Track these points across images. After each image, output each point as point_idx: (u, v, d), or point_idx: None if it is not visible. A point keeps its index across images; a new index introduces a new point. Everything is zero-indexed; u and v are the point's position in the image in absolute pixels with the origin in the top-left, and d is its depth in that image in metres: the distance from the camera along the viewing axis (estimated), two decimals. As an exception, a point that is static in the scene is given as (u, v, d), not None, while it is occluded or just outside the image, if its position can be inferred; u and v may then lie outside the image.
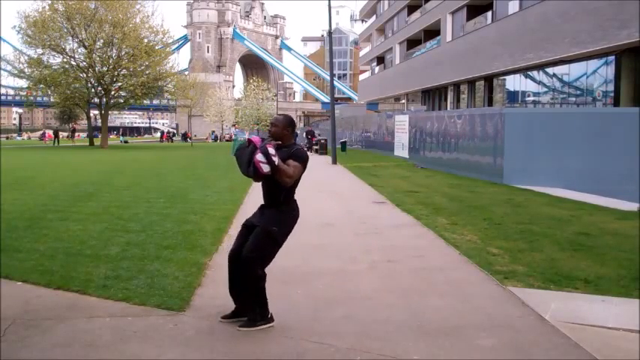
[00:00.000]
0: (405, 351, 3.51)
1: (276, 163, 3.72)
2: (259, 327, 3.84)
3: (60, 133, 57.71)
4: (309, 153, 24.15)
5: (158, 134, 69.16)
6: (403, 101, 43.47)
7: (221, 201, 10.24)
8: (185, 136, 67.81)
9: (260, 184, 4.02)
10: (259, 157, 3.71)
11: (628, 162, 12.49)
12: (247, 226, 4.07)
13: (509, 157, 13.61)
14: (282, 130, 3.95)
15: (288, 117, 4.09)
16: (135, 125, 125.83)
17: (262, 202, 4.05)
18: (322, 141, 29.97)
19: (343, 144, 29.63)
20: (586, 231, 7.33)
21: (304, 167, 3.91)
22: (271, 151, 3.72)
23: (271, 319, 3.91)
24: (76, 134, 51.85)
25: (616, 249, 6.29)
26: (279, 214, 3.92)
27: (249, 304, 3.91)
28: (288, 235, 4.01)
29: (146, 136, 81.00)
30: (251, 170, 3.77)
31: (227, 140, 62.51)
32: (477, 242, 6.66)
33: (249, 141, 3.85)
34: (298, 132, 38.70)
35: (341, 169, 18.74)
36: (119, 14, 37.95)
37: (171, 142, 63.53)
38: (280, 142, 3.90)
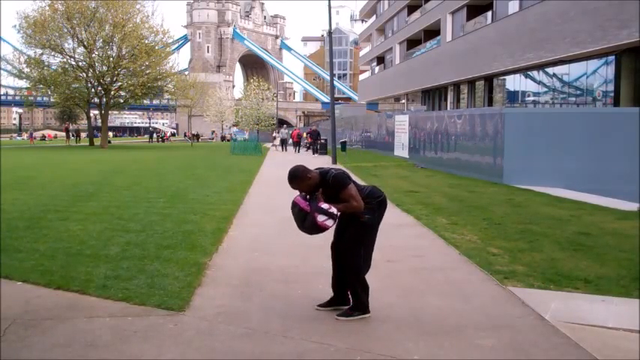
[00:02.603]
0: (405, 351, 3.51)
1: (337, 212, 3.86)
2: (357, 317, 4.01)
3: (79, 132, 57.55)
4: (311, 155, 24.07)
5: (157, 134, 67.89)
6: (403, 101, 43.48)
7: (221, 201, 10.24)
8: (196, 137, 68.01)
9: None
10: (321, 218, 3.83)
11: (628, 162, 12.48)
12: (340, 223, 4.14)
13: (509, 157, 13.61)
14: (307, 182, 3.94)
15: (296, 171, 3.96)
16: (135, 125, 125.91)
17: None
18: (322, 141, 29.95)
19: (343, 144, 29.62)
20: (586, 231, 7.33)
21: (351, 182, 3.96)
22: (324, 206, 3.83)
23: (368, 310, 4.07)
24: (71, 134, 51.59)
25: (616, 249, 6.28)
26: (366, 205, 4.02)
27: (349, 293, 4.12)
28: (381, 219, 4.15)
29: (145, 136, 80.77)
30: (319, 231, 3.92)
31: (227, 140, 62.53)
32: (477, 242, 6.66)
33: (296, 204, 3.93)
34: (302, 132, 38.69)
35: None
36: (119, 14, 37.94)
37: (163, 141, 62.35)
38: (320, 190, 3.95)
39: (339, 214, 3.88)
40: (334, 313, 4.13)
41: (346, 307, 4.12)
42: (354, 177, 12.11)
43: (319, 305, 4.24)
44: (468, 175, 15.27)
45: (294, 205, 3.94)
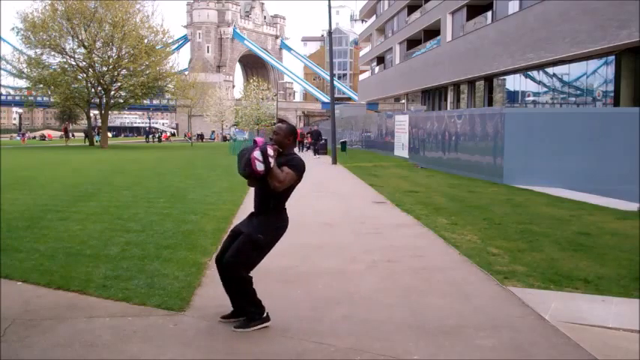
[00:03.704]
0: (405, 351, 3.51)
1: (272, 164, 3.74)
2: (254, 327, 3.84)
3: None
4: (312, 155, 23.85)
5: (153, 134, 67.25)
6: (403, 101, 43.47)
7: (221, 201, 10.24)
8: (200, 137, 68.23)
9: (253, 190, 4.02)
10: (256, 154, 3.73)
11: (628, 162, 12.49)
12: (234, 232, 4.06)
13: (509, 157, 13.61)
14: (284, 139, 3.97)
15: (291, 126, 4.09)
16: (135, 125, 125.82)
17: (252, 210, 4.06)
18: (323, 141, 29.91)
19: (343, 144, 29.61)
20: (586, 231, 7.33)
21: (299, 177, 3.91)
22: (270, 152, 3.75)
23: (267, 319, 3.91)
24: (70, 135, 51.36)
25: (616, 249, 6.29)
26: (266, 222, 3.92)
27: (242, 305, 3.94)
28: (275, 243, 4.01)
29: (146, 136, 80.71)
30: (247, 168, 3.77)
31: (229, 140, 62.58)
32: (477, 242, 6.66)
33: (254, 142, 3.86)
34: (303, 132, 38.61)
35: (341, 169, 18.74)
36: (119, 14, 37.94)
37: (159, 141, 61.97)
38: (281, 149, 3.92)
39: (271, 165, 3.73)
40: (335, 313, 4.12)
41: (243, 319, 3.94)
42: (354, 177, 11.97)
43: (222, 317, 4.04)
44: (468, 175, 15.27)
45: (254, 143, 3.85)
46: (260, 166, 3.73)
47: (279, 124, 4.09)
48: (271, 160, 3.74)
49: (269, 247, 3.97)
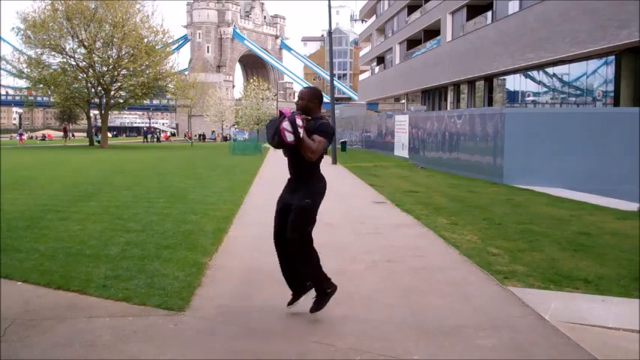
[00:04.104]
0: (405, 351, 3.51)
1: (301, 135, 3.74)
2: (327, 301, 3.97)
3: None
4: None
5: (151, 134, 66.80)
6: (403, 101, 43.47)
7: (221, 201, 10.24)
8: (202, 137, 68.39)
9: (282, 163, 4.02)
10: (285, 124, 3.72)
11: (628, 162, 12.50)
12: (283, 206, 4.07)
13: (509, 157, 13.61)
14: (308, 103, 3.96)
15: (315, 89, 4.07)
16: (135, 125, 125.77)
17: (289, 176, 4.08)
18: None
19: (343, 144, 29.61)
20: (586, 231, 7.33)
21: (330, 142, 3.92)
22: (299, 122, 3.74)
23: (333, 287, 4.01)
24: (69, 135, 51.24)
25: (616, 249, 6.28)
26: (309, 188, 3.96)
27: (309, 284, 4.03)
28: (319, 206, 4.05)
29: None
30: (276, 138, 3.77)
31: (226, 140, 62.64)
32: (477, 242, 6.66)
33: (280, 112, 3.85)
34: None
35: (341, 169, 18.74)
36: (119, 14, 37.95)
37: (158, 141, 61.73)
38: (309, 117, 3.91)
39: (301, 136, 3.74)
40: (336, 313, 4.12)
41: (314, 300, 4.03)
42: (354, 177, 11.98)
43: (289, 304, 4.14)
44: (468, 175, 15.27)
45: (280, 113, 3.86)
46: (290, 137, 3.73)
47: (302, 89, 4.07)
48: (301, 130, 3.73)
49: (316, 209, 4.01)
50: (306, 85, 4.02)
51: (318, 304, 4.00)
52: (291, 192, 4.02)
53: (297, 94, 4.09)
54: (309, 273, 3.99)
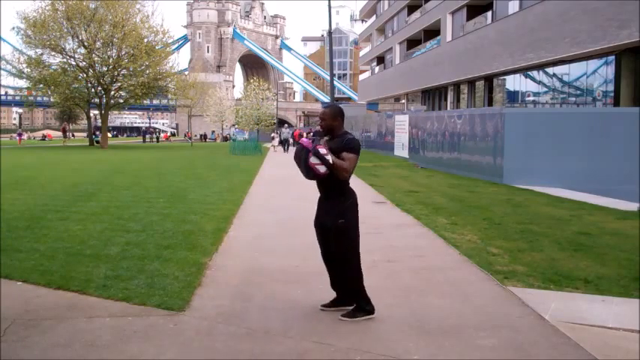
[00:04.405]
0: (405, 351, 3.51)
1: (331, 161, 3.79)
2: (360, 318, 4.00)
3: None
4: None
5: (150, 134, 66.30)
6: (403, 101, 43.47)
7: (221, 201, 10.24)
8: (204, 137, 68.41)
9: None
10: (313, 160, 3.79)
11: (628, 162, 12.49)
12: (321, 228, 4.13)
13: (509, 157, 13.61)
14: (332, 122, 3.98)
15: (334, 107, 4.08)
16: (135, 125, 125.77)
17: (320, 195, 4.14)
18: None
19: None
20: (586, 231, 7.33)
21: (358, 156, 3.96)
22: (322, 151, 3.79)
23: (373, 311, 4.07)
24: (69, 134, 51.26)
25: (616, 249, 6.29)
26: (339, 206, 3.99)
27: (352, 298, 4.11)
28: (357, 219, 4.08)
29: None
30: (310, 174, 3.85)
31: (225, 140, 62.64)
32: (477, 242, 6.66)
33: (301, 144, 3.91)
34: (302, 132, 38.53)
35: (341, 169, 18.73)
36: (119, 14, 37.94)
37: (157, 141, 61.52)
38: (330, 137, 3.96)
39: (331, 162, 3.79)
40: (335, 313, 4.13)
41: (350, 308, 4.12)
42: (354, 176, 11.88)
43: (323, 305, 4.24)
44: (468, 175, 15.27)
45: (300, 147, 3.92)
46: (322, 169, 3.81)
47: (323, 110, 4.07)
48: (329, 158, 3.78)
49: (354, 226, 4.05)
50: (325, 103, 4.01)
51: (353, 314, 4.06)
52: (325, 213, 4.08)
53: (318, 115, 4.11)
54: (354, 287, 4.07)
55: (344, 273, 4.06)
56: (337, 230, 3.96)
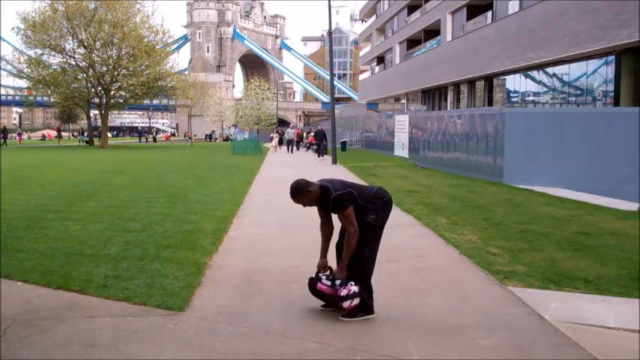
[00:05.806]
0: (405, 351, 3.51)
1: (357, 290, 3.96)
2: (361, 317, 4.02)
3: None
4: (315, 156, 23.66)
5: (146, 134, 65.81)
6: (403, 101, 43.49)
7: (221, 201, 10.24)
8: (209, 137, 68.32)
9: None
10: (322, 287, 4.10)
11: (628, 162, 12.49)
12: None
13: (509, 157, 13.61)
14: (304, 199, 4.04)
15: (292, 188, 4.03)
16: (135, 125, 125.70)
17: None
18: (326, 142, 29.81)
19: (343, 144, 29.59)
20: (586, 231, 7.33)
21: (348, 207, 4.00)
22: (344, 293, 3.96)
23: (372, 311, 4.09)
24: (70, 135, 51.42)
25: (616, 249, 6.28)
26: (372, 205, 4.13)
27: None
28: (387, 219, 4.20)
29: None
30: (334, 297, 4.05)
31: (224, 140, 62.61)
32: (477, 242, 6.66)
33: (313, 285, 4.22)
34: (302, 132, 38.46)
35: (341, 169, 18.73)
36: (119, 14, 37.95)
37: (154, 141, 61.47)
38: (318, 204, 4.09)
39: (343, 259, 4.04)
40: (335, 313, 4.12)
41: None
42: (354, 176, 11.83)
43: (323, 305, 4.24)
44: (468, 175, 15.27)
45: (320, 292, 4.14)
46: (357, 301, 3.98)
47: (291, 193, 4.04)
48: (355, 288, 3.95)
49: (383, 224, 4.16)
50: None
51: (352, 314, 4.05)
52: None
53: (292, 199, 4.11)
54: (359, 282, 4.08)
55: (348, 267, 4.08)
56: (362, 221, 4.04)
